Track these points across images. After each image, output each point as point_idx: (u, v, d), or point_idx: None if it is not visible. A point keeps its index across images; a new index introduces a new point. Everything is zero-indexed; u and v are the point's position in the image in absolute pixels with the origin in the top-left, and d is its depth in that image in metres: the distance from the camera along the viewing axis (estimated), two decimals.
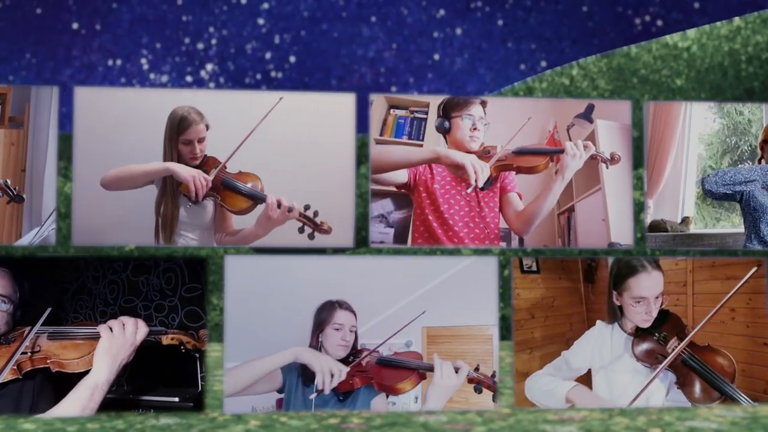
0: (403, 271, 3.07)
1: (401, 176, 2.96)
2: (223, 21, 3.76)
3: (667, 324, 2.88)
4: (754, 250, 3.29)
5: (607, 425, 2.84)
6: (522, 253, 3.23)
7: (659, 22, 4.00)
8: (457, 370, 2.84)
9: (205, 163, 2.79)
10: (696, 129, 3.46)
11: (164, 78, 3.73)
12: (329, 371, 2.72)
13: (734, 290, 2.96)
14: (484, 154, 2.95)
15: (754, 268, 3.11)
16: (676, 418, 2.93)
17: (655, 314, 2.84)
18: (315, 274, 3.00)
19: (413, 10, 3.84)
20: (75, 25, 3.68)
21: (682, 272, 3.25)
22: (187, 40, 3.74)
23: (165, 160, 2.78)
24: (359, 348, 2.85)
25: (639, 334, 2.86)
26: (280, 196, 2.80)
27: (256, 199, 2.82)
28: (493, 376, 2.93)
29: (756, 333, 3.14)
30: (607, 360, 2.90)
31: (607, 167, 3.10)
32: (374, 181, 2.98)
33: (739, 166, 3.36)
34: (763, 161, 3.31)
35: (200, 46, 3.75)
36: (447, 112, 2.95)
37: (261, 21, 3.79)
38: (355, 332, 2.86)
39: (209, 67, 3.76)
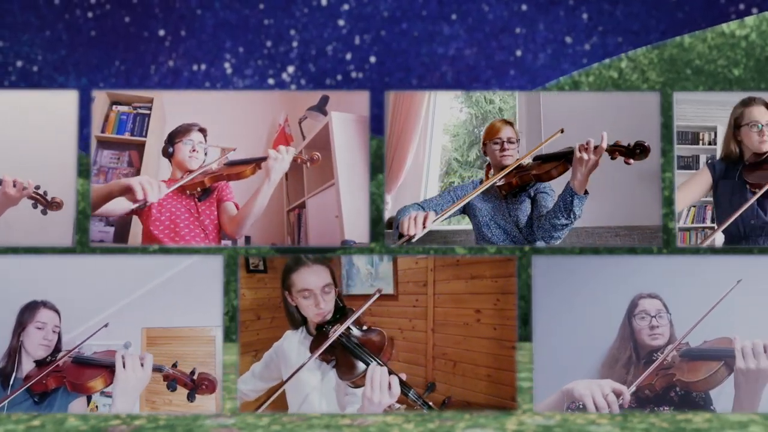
0: (124, 271, 3.02)
1: (123, 205, 3.04)
2: (304, 23, 3.78)
3: (344, 319, 2.83)
4: (512, 248, 3.12)
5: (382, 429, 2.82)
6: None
7: (754, 10, 3.80)
8: (142, 363, 2.77)
9: None
10: (440, 119, 3.25)
11: (247, 81, 3.78)
12: None
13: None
14: (200, 170, 3.08)
15: (424, 256, 2.99)
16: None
17: (325, 307, 2.80)
18: (34, 274, 2.98)
19: (494, 6, 3.77)
20: (161, 32, 3.77)
21: (422, 271, 3.09)
22: (269, 44, 3.78)
23: None
24: (63, 349, 2.84)
25: (316, 332, 2.82)
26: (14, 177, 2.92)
27: None
28: (192, 373, 2.86)
29: (504, 336, 2.95)
30: (294, 364, 2.84)
31: (307, 166, 3.06)
32: (101, 215, 3.05)
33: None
34: (492, 168, 3.13)
35: (282, 49, 3.78)
36: (172, 139, 3.12)
37: (341, 22, 3.79)
38: (59, 333, 2.86)
39: (290, 69, 3.79)
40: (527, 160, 3.08)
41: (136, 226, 3.09)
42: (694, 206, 3.29)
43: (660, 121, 3.25)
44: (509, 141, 3.10)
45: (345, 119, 3.17)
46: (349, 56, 3.79)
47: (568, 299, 3.06)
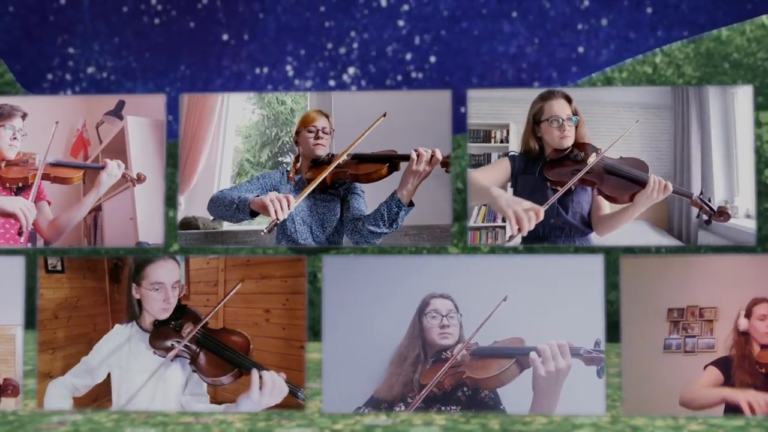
0: None
1: None
2: (364, 25, 3.81)
3: (185, 316, 2.93)
4: (306, 248, 3.09)
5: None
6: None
7: None
8: None
9: None
10: (233, 121, 3.29)
11: (308, 83, 3.82)
12: None
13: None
14: (22, 163, 3.07)
15: (215, 256, 3.06)
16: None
17: (173, 302, 2.91)
18: None
19: (556, 3, 3.74)
20: (225, 36, 3.84)
21: (213, 271, 3.13)
22: (329, 46, 3.82)
23: None
24: None
25: (156, 327, 2.90)
26: None
27: None
28: None
29: (292, 335, 3.02)
30: (125, 361, 2.88)
31: (134, 185, 3.13)
32: None
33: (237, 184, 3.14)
34: (300, 159, 3.10)
35: (342, 50, 3.81)
36: None
37: (401, 23, 3.80)
38: None
39: (351, 70, 3.82)
40: (343, 158, 3.07)
41: None
42: (485, 205, 3.23)
43: (451, 119, 3.21)
44: (324, 131, 3.09)
45: (140, 123, 3.27)
46: (409, 56, 3.80)
47: (360, 299, 3.10)
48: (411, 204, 2.99)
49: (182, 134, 3.27)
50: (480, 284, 3.00)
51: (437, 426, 2.96)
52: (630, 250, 3.14)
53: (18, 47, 3.84)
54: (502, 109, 3.21)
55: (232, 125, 3.32)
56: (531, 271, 3.03)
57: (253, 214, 3.03)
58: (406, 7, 3.79)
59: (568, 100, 3.05)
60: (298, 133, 3.15)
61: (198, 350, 2.87)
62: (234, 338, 2.93)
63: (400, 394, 2.91)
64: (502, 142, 3.23)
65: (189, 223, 3.26)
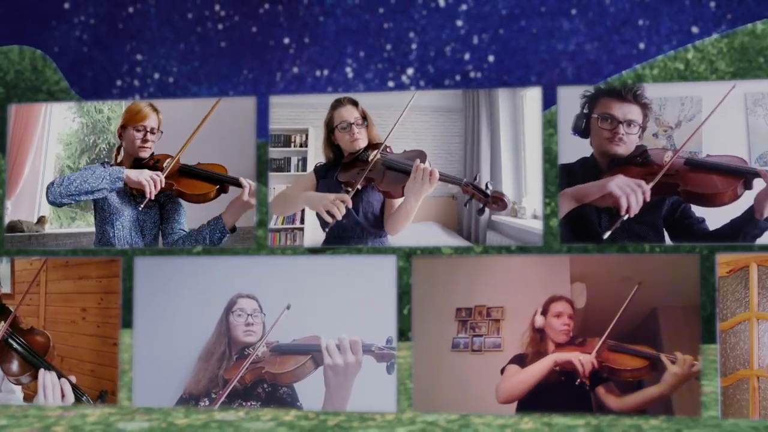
0: None
1: None
2: (422, 26, 3.84)
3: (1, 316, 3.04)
4: (124, 249, 3.15)
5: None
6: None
7: None
8: None
9: None
10: (56, 129, 3.43)
11: (368, 85, 3.87)
12: None
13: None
14: None
15: (38, 258, 3.16)
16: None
17: None
18: None
19: None
20: (286, 40, 3.92)
21: (36, 272, 3.33)
22: (388, 47, 3.86)
23: None
24: None
25: None
26: None
27: None
28: None
29: (106, 333, 3.21)
30: None
31: None
32: None
33: (90, 169, 3.20)
34: (122, 151, 3.19)
35: (401, 51, 3.85)
36: None
37: (459, 23, 3.83)
38: None
39: (410, 71, 3.85)
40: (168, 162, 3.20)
41: None
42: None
43: (255, 124, 3.39)
44: (152, 132, 3.24)
45: None
46: (467, 56, 3.82)
47: (171, 298, 3.26)
48: (234, 229, 3.12)
49: (9, 143, 3.47)
50: (283, 284, 3.17)
51: (281, 421, 3.03)
52: (422, 251, 3.21)
53: (90, 55, 4.00)
54: (302, 114, 3.35)
55: (55, 133, 3.52)
56: (332, 272, 3.20)
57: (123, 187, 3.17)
58: (464, 7, 3.81)
59: (355, 104, 3.32)
60: (123, 127, 3.31)
61: (5, 349, 3.05)
62: (37, 338, 3.17)
63: (205, 389, 3.09)
64: (301, 146, 3.36)
65: (14, 227, 3.43)
